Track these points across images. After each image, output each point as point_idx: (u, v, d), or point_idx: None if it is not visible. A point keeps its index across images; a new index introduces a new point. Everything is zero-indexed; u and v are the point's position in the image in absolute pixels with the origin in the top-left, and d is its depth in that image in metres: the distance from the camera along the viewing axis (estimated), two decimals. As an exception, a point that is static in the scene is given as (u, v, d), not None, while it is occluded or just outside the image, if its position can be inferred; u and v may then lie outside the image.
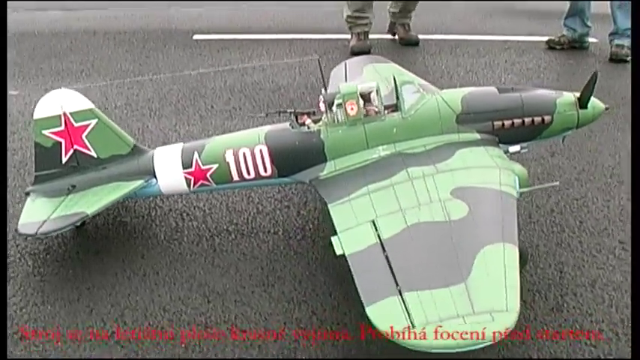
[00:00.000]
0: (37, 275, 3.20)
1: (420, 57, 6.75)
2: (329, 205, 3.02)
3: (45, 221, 3.15)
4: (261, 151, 3.35)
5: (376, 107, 3.33)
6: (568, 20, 7.04)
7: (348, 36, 7.13)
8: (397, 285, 2.35)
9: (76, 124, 3.37)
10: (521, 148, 3.38)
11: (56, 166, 3.40)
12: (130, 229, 3.57)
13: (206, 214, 3.71)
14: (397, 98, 3.38)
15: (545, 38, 7.20)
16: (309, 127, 3.38)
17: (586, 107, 3.39)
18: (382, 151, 3.31)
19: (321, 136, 3.32)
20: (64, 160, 3.40)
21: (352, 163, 3.31)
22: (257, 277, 3.16)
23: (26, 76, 6.07)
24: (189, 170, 3.36)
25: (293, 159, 3.35)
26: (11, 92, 5.59)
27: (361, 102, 3.30)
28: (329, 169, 3.32)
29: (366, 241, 2.63)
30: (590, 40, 7.14)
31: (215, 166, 3.35)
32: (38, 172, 3.43)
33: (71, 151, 3.40)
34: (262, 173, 3.37)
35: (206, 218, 3.67)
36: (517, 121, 3.34)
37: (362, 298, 2.34)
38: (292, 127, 3.39)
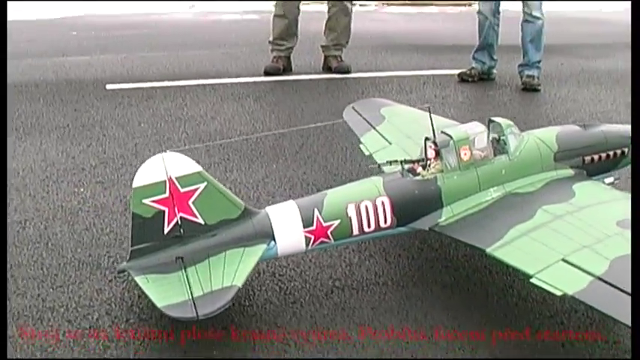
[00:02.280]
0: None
1: (354, 94, 6.86)
2: (488, 250, 3.02)
3: (193, 301, 2.83)
4: (382, 202, 3.28)
5: (481, 151, 3.40)
6: (477, 54, 7.54)
7: (267, 78, 7.45)
8: None
9: (182, 190, 3.08)
10: (614, 179, 3.61)
11: (157, 239, 3.09)
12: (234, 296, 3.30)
13: (298, 273, 3.54)
14: (497, 140, 3.47)
15: (454, 71, 7.65)
16: (418, 175, 3.37)
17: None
18: (494, 193, 3.39)
19: (438, 182, 3.33)
20: (167, 230, 3.09)
21: (468, 207, 3.35)
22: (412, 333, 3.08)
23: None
24: (311, 229, 3.21)
25: (412, 208, 3.32)
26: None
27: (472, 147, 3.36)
28: (447, 214, 3.34)
29: (582, 280, 2.67)
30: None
31: (337, 222, 3.23)
32: (135, 247, 3.10)
33: (175, 220, 3.10)
34: (382, 225, 3.30)
35: (303, 277, 3.50)
36: (603, 155, 3.57)
37: None
38: (403, 176, 3.36)
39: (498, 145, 3.47)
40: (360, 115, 4.63)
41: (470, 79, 7.49)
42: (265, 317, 3.18)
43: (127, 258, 3.11)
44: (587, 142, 3.58)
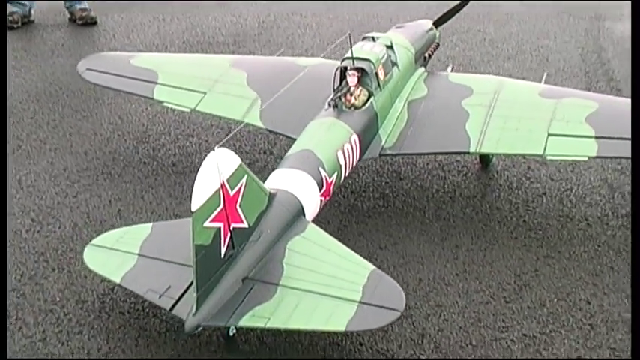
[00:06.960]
0: None
1: None
2: (473, 150, 3.20)
3: (370, 304, 2.34)
4: (355, 140, 3.17)
5: (387, 67, 3.43)
6: (15, -3, 6.59)
7: None
8: None
9: (232, 193, 2.45)
10: (451, 67, 4.13)
11: (217, 267, 2.42)
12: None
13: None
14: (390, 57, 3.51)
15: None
16: (353, 105, 3.25)
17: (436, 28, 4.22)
18: (398, 104, 3.54)
19: (374, 108, 3.32)
20: (223, 252, 2.44)
21: (392, 124, 3.45)
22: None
23: None
24: (323, 191, 2.93)
25: (368, 139, 3.31)
26: None
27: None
28: (384, 136, 3.41)
29: (588, 144, 3.10)
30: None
31: (335, 175, 3.02)
32: (200, 291, 2.36)
33: (229, 235, 2.45)
34: (354, 164, 3.19)
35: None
36: (431, 50, 3.99)
37: None
38: (343, 110, 3.22)
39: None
40: (112, 73, 3.94)
41: (15, 26, 6.53)
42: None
43: (194, 310, 2.34)
44: (424, 42, 3.90)
